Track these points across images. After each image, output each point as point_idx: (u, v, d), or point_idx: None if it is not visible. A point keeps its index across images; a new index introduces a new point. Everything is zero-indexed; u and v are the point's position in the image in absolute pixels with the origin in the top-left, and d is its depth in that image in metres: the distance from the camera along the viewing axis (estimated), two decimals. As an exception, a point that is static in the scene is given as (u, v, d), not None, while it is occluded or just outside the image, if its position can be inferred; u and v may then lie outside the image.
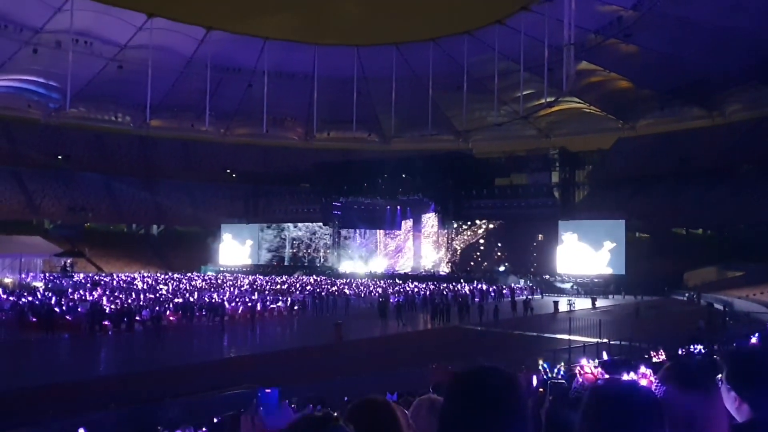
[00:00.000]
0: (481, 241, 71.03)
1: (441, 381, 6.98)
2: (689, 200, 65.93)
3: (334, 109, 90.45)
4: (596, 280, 60.20)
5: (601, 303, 48.70)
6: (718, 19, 59.17)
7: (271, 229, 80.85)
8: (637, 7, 62.53)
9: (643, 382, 2.37)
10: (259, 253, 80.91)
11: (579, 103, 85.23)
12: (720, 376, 2.51)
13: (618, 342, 23.65)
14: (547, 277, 63.79)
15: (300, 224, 79.37)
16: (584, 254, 62.15)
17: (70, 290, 43.51)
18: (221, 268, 78.30)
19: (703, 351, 13.01)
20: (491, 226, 70.36)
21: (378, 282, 62.23)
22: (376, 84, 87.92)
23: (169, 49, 79.67)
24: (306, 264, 78.16)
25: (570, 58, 63.99)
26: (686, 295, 53.38)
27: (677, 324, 32.09)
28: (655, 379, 2.38)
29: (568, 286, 61.43)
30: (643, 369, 2.43)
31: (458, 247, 72.79)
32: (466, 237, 72.21)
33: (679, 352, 12.59)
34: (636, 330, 28.99)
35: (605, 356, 10.04)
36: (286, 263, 79.23)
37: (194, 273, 71.07)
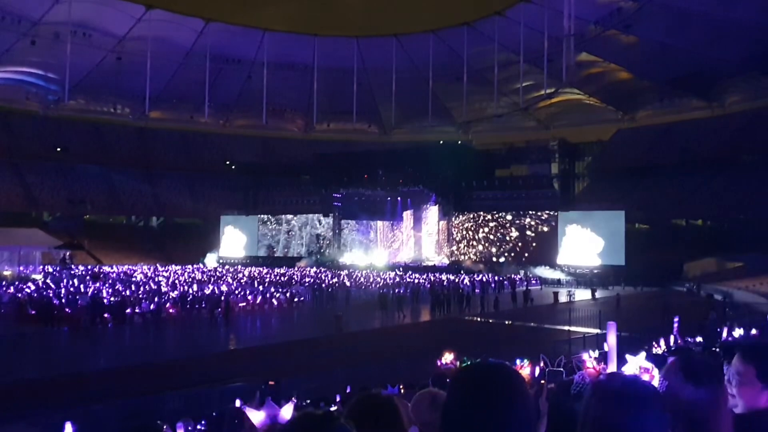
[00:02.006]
0: (486, 229, 70.82)
1: (441, 374, 6.97)
2: (689, 191, 65.98)
3: (334, 100, 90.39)
4: (596, 271, 60.31)
5: (600, 294, 48.80)
6: (718, 9, 59.10)
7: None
8: (637, -3, 62.56)
9: (645, 377, 2.36)
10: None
11: (579, 94, 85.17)
12: (730, 366, 2.50)
13: (618, 333, 23.67)
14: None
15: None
16: (586, 245, 62.23)
17: (68, 282, 43.53)
18: (220, 260, 78.39)
19: (703, 342, 13.03)
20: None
21: (379, 273, 62.37)
22: (376, 75, 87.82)
23: (168, 40, 79.49)
24: (313, 256, 77.65)
25: (569, 49, 63.92)
26: (686, 286, 53.47)
27: (679, 315, 32.06)
28: (659, 373, 2.38)
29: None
30: (645, 363, 2.42)
31: (458, 238, 72.68)
32: (487, 229, 71.53)
33: (679, 343, 12.59)
34: (637, 321, 29.02)
35: (606, 347, 10.02)
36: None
37: (195, 265, 71.09)
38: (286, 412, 3.66)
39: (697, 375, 2.23)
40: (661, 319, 27.48)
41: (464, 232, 71.76)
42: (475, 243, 70.79)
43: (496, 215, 69.41)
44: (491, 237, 69.73)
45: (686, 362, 2.32)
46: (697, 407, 2.18)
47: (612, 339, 2.34)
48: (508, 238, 68.58)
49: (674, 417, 2.00)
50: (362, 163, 75.74)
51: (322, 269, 66.77)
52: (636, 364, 2.41)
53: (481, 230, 70.50)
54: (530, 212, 67.35)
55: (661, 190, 67.97)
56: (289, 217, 79.91)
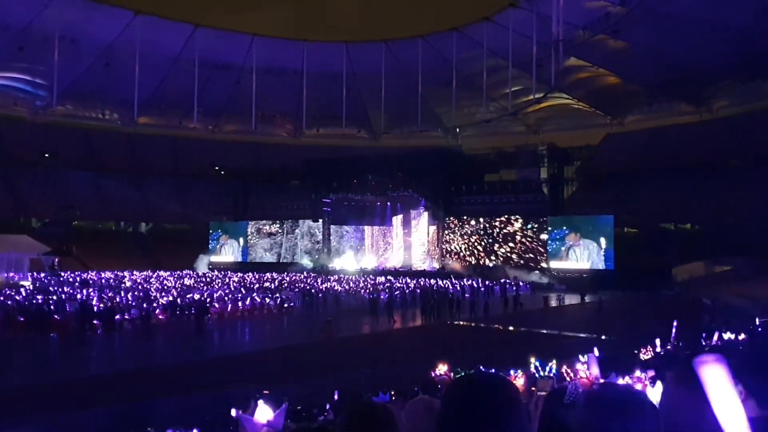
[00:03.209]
0: (475, 234, 70.88)
1: (431, 381, 6.98)
2: (677, 195, 66.20)
3: (323, 105, 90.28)
4: (585, 276, 60.43)
5: (590, 298, 48.90)
6: (706, 13, 59.40)
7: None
8: (625, 2, 62.66)
9: (638, 387, 2.37)
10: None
11: (567, 99, 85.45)
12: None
13: (608, 337, 23.75)
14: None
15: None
16: (577, 250, 62.44)
17: (58, 289, 43.31)
18: (210, 266, 78.13)
19: (692, 346, 13.08)
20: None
21: (369, 278, 62.33)
22: (366, 80, 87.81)
23: (157, 45, 79.20)
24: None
25: (558, 54, 64.11)
26: (675, 290, 53.62)
27: (668, 319, 32.20)
28: (650, 382, 2.39)
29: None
30: (638, 373, 2.44)
31: (450, 243, 72.72)
32: (476, 234, 71.75)
33: (668, 349, 12.65)
34: (627, 325, 29.13)
35: (596, 352, 10.06)
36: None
37: (186, 270, 70.76)
38: (279, 417, 3.68)
39: (684, 380, 2.25)
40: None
41: (453, 237, 71.79)
42: (464, 247, 70.82)
43: (486, 220, 69.49)
44: (480, 241, 69.78)
45: (673, 368, 2.34)
46: (685, 412, 2.19)
47: (594, 370, 2.34)
48: (497, 243, 68.66)
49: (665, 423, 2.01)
50: (352, 168, 75.74)
51: (312, 274, 66.66)
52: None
53: (470, 235, 70.55)
54: (519, 217, 67.46)
55: (649, 195, 68.18)
56: (279, 224, 79.83)
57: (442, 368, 6.63)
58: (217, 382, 17.67)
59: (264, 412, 3.61)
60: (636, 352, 13.57)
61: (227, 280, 58.74)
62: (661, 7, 60.78)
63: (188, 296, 39.75)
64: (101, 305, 32.48)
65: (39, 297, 36.56)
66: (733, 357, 2.50)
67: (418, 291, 47.65)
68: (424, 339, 29.82)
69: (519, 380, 4.85)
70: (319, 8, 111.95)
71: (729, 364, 2.46)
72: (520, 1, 69.85)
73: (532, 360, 8.17)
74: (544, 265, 64.94)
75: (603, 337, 23.75)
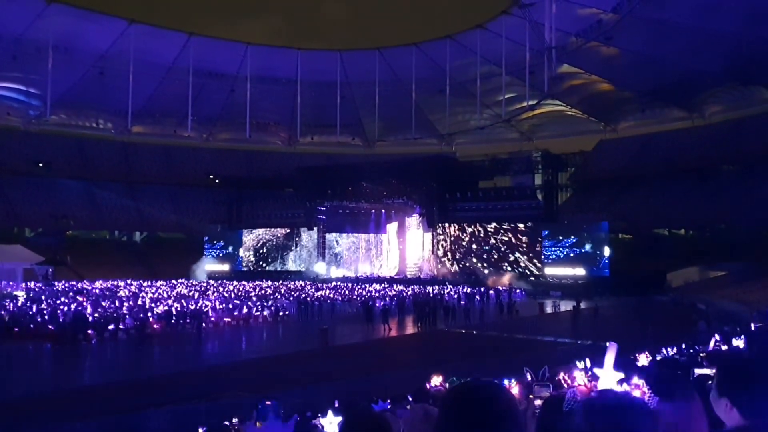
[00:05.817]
0: (470, 241, 70.87)
1: (423, 389, 6.94)
2: (671, 201, 66.46)
3: (317, 113, 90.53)
4: (580, 282, 60.45)
5: (585, 304, 48.88)
6: (697, 21, 59.71)
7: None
8: (617, 9, 62.99)
9: (636, 393, 2.36)
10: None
11: (561, 105, 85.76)
12: (710, 381, 2.49)
13: (603, 343, 23.74)
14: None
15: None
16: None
17: (51, 299, 43.13)
18: (206, 275, 77.92)
19: (687, 352, 13.05)
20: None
21: (363, 286, 62.26)
22: (360, 88, 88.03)
23: (151, 54, 79.25)
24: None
25: (551, 61, 64.34)
26: (670, 295, 53.69)
27: (664, 325, 32.23)
28: (648, 389, 2.37)
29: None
30: (636, 380, 2.42)
31: (444, 249, 72.68)
32: (471, 241, 71.76)
33: (664, 354, 12.61)
34: (624, 331, 29.14)
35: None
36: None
37: (181, 279, 70.48)
38: (288, 428, 3.66)
39: (669, 391, 2.24)
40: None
41: (448, 244, 71.76)
42: (459, 254, 70.80)
43: (480, 226, 69.48)
44: (475, 248, 69.76)
45: (657, 379, 2.32)
46: (674, 423, 2.19)
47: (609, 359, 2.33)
48: (492, 250, 68.64)
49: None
50: (346, 176, 75.86)
51: (307, 282, 66.55)
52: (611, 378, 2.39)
53: (464, 241, 70.54)
54: (514, 223, 67.46)
55: (643, 201, 68.43)
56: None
57: (436, 380, 6.58)
58: (212, 392, 17.57)
59: (274, 425, 3.55)
60: (632, 358, 13.52)
61: (221, 288, 58.52)
62: (652, 15, 61.06)
63: (183, 305, 39.62)
64: (95, 315, 32.34)
65: (33, 307, 36.42)
66: (723, 366, 2.48)
67: (413, 298, 47.55)
68: (419, 346, 29.78)
69: (514, 389, 4.81)
70: (312, 17, 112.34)
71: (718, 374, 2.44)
72: (513, 8, 70.09)
73: (525, 368, 8.12)
74: (538, 271, 64.92)
75: (606, 343, 23.70)
